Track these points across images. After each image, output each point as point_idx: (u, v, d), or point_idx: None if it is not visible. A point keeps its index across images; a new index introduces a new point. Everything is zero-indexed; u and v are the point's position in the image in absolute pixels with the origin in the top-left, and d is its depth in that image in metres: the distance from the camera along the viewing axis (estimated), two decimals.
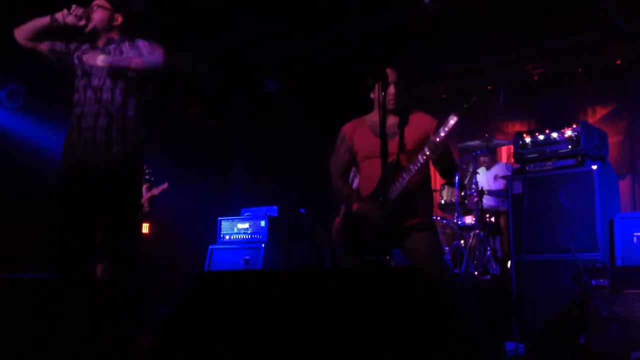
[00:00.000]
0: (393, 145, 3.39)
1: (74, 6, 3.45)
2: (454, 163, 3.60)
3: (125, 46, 3.52)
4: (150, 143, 7.21)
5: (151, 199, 5.48)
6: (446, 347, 1.77)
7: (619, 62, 6.49)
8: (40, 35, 3.54)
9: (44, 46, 3.60)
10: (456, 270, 5.61)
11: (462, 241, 5.70)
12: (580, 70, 6.70)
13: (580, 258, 4.52)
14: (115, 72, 3.43)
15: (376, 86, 3.40)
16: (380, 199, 3.18)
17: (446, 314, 1.84)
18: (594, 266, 4.40)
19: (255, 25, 6.17)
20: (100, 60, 3.39)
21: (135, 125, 3.49)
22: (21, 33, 3.59)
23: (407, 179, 3.33)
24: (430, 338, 1.77)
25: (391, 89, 3.45)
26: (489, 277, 5.33)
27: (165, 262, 6.89)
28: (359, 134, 3.58)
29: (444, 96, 7.37)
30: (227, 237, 6.51)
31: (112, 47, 3.52)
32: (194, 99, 7.46)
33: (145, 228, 7.11)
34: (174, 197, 6.55)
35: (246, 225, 6.45)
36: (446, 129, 3.24)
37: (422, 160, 3.30)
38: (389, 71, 3.40)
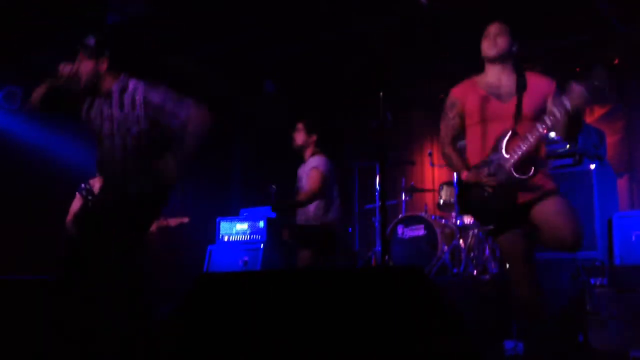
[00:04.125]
0: (509, 109, 3.17)
1: (61, 65, 3.26)
2: (578, 127, 3.20)
3: (128, 95, 3.31)
4: None
5: (163, 227, 5.41)
6: (445, 346, 1.78)
7: (616, 61, 6.49)
8: (48, 102, 3.32)
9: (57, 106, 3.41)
10: (455, 270, 5.61)
11: (461, 241, 5.70)
12: (578, 69, 6.70)
13: (578, 257, 4.53)
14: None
15: (484, 41, 3.27)
16: (492, 170, 3.03)
17: (445, 312, 1.84)
18: (592, 265, 4.41)
19: (256, 27, 6.17)
20: None
21: None
22: (35, 106, 3.35)
23: (524, 149, 3.06)
24: (430, 337, 1.77)
25: (489, 40, 3.28)
26: (488, 276, 5.33)
27: (163, 263, 6.88)
28: (471, 96, 3.32)
29: (441, 96, 7.37)
30: (226, 238, 6.50)
31: (114, 98, 3.30)
32: (195, 98, 7.45)
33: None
34: (173, 197, 6.54)
35: (245, 225, 6.44)
36: (569, 101, 2.99)
37: (541, 131, 3.03)
38: (495, 24, 3.28)
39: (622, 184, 5.99)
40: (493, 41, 3.26)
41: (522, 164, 3.07)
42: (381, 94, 3.19)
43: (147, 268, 3.45)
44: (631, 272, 4.22)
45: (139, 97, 3.29)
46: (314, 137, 4.86)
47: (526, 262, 3.09)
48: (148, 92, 3.31)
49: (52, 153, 6.63)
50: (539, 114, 3.09)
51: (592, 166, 5.01)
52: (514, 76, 3.26)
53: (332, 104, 7.71)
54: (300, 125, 4.91)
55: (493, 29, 3.29)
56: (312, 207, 4.78)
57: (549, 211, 3.05)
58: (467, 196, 3.27)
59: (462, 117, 3.36)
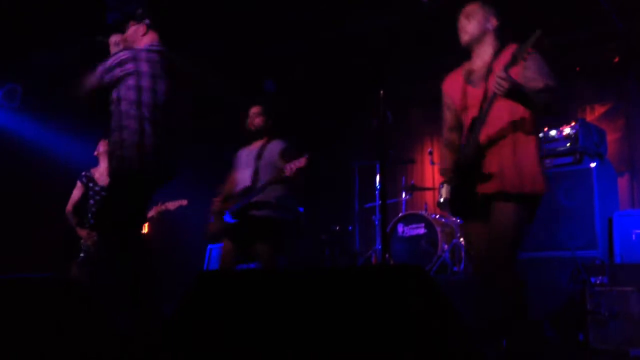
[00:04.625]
0: (476, 95, 3.03)
1: (110, 36, 3.71)
2: (535, 96, 2.91)
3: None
4: None
5: (162, 212, 5.39)
6: (445, 345, 1.78)
7: (616, 60, 6.49)
8: (96, 95, 3.46)
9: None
10: (455, 268, 5.62)
11: (461, 239, 5.70)
12: (578, 68, 6.70)
13: (579, 255, 4.53)
14: None
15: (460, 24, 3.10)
16: (460, 161, 2.91)
17: (446, 311, 1.84)
18: (592, 263, 4.41)
19: (257, 26, 6.16)
20: None
21: None
22: (84, 96, 3.50)
23: (480, 132, 2.92)
24: (429, 335, 1.77)
25: (461, 22, 3.13)
26: None
27: (164, 261, 6.88)
28: (453, 86, 3.23)
29: None
30: None
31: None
32: (195, 95, 7.45)
33: (145, 227, 7.10)
34: (173, 195, 6.54)
35: None
36: (504, 62, 2.81)
37: (489, 107, 2.88)
38: (466, 7, 3.11)
39: (622, 182, 5.99)
40: (463, 26, 3.13)
41: (482, 152, 2.94)
42: (381, 92, 3.18)
43: (150, 268, 3.43)
44: (631, 271, 4.22)
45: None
46: (271, 122, 4.77)
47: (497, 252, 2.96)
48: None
49: (52, 150, 6.63)
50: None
51: (593, 164, 5.01)
52: (489, 56, 3.10)
53: (332, 103, 7.71)
54: (257, 110, 4.81)
55: (463, 12, 3.15)
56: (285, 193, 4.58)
57: (491, 220, 2.93)
58: (447, 191, 3.24)
59: (451, 109, 3.27)
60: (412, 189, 6.70)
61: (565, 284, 4.49)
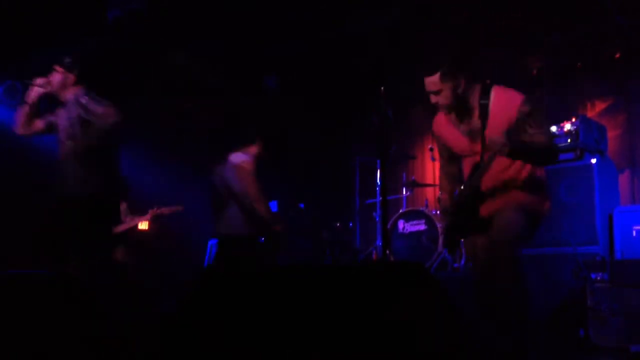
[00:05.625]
0: (476, 147, 3.10)
1: (35, 79, 3.99)
2: (535, 153, 3.03)
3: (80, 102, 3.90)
4: (151, 139, 7.22)
5: (158, 215, 5.41)
6: (445, 341, 1.78)
7: (617, 55, 6.48)
8: (31, 118, 4.11)
9: (39, 125, 4.12)
10: (455, 265, 5.62)
11: None
12: (579, 64, 6.69)
13: (579, 252, 4.53)
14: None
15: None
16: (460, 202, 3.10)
17: (446, 307, 1.85)
18: (593, 260, 4.41)
19: (257, 26, 6.16)
20: None
21: None
22: (18, 128, 4.14)
23: (481, 181, 3.06)
24: (430, 331, 1.78)
25: (432, 99, 3.14)
26: None
27: (164, 258, 6.89)
28: (445, 132, 3.30)
29: None
30: None
31: (70, 105, 3.94)
32: (196, 93, 7.45)
33: (145, 224, 7.10)
34: (173, 192, 6.55)
35: None
36: (497, 121, 2.98)
37: (487, 159, 3.00)
38: (426, 81, 3.10)
39: (623, 178, 5.99)
40: (435, 101, 3.14)
41: (483, 196, 3.08)
42: (382, 89, 3.18)
43: (147, 264, 3.50)
44: (632, 267, 4.23)
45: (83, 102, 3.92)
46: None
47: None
48: (90, 102, 3.90)
49: (52, 147, 6.62)
50: (510, 132, 3.01)
51: (593, 161, 5.01)
52: (477, 109, 3.10)
53: (332, 100, 7.70)
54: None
55: (427, 87, 3.14)
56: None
57: (497, 217, 3.05)
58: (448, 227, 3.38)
59: (447, 147, 3.36)
60: (412, 186, 6.70)
61: (566, 280, 4.49)
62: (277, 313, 1.96)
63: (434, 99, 3.11)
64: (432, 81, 3.07)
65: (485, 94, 3.06)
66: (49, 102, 4.14)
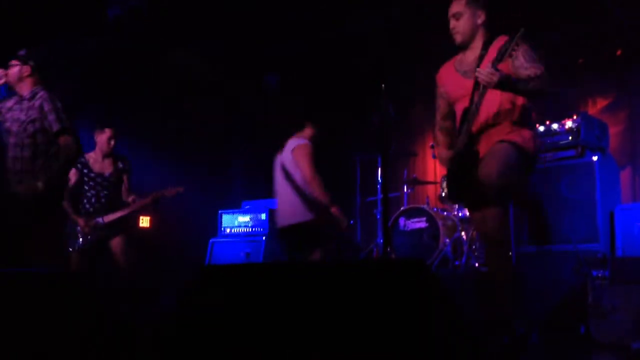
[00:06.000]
0: (468, 86, 3.12)
1: None
2: (525, 84, 3.00)
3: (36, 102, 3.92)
4: (151, 138, 7.21)
5: (158, 198, 5.34)
6: (446, 338, 1.78)
7: (619, 52, 6.47)
8: None
9: None
10: (457, 262, 5.62)
11: (463, 233, 5.71)
12: (580, 60, 6.68)
13: (580, 249, 4.53)
14: None
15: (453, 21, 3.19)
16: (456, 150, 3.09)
17: (447, 305, 1.85)
18: (594, 257, 4.41)
19: (257, 26, 6.16)
20: None
21: None
22: None
23: (472, 123, 3.05)
24: (430, 329, 1.77)
25: (451, 23, 3.21)
26: None
27: (166, 255, 6.90)
28: (446, 77, 3.35)
29: None
30: (228, 230, 6.51)
31: (25, 102, 3.96)
32: (196, 92, 7.46)
33: (147, 222, 7.11)
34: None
35: (247, 218, 6.45)
36: (494, 54, 2.94)
37: (479, 98, 3.00)
38: (453, 2, 3.18)
39: (624, 175, 5.98)
40: (453, 27, 3.22)
41: (474, 141, 3.08)
42: (383, 86, 3.18)
43: (148, 261, 3.50)
44: (633, 264, 4.22)
45: (38, 103, 3.92)
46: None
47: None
48: (45, 100, 3.91)
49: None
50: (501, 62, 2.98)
51: (595, 158, 5.00)
52: (480, 48, 3.19)
53: (333, 97, 7.70)
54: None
55: (450, 12, 3.23)
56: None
57: (487, 153, 3.05)
58: (448, 178, 3.37)
59: (444, 97, 3.40)
60: (413, 183, 6.70)
61: (567, 277, 4.49)
62: (278, 311, 1.96)
63: (452, 23, 3.21)
64: (458, 5, 3.21)
65: (489, 42, 3.16)
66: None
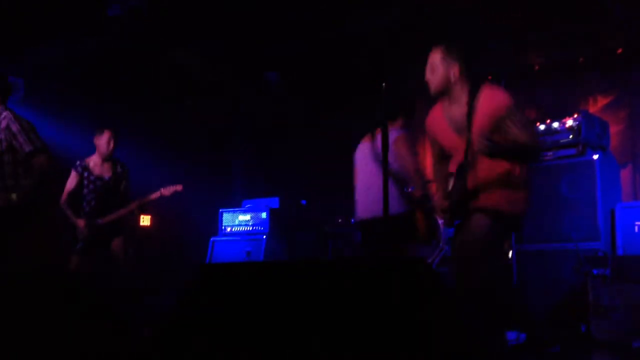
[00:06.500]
0: (461, 143, 3.14)
1: None
2: (513, 150, 3.08)
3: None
4: (152, 137, 7.22)
5: (158, 197, 5.35)
6: (447, 336, 1.78)
7: (619, 51, 6.46)
8: None
9: None
10: None
11: None
12: (581, 59, 6.67)
13: (581, 247, 4.53)
14: None
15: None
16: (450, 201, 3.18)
17: (447, 303, 1.85)
18: (595, 255, 4.41)
19: (257, 26, 6.15)
20: None
21: None
22: None
23: (467, 179, 3.10)
24: (432, 327, 1.77)
25: (426, 75, 3.23)
26: None
27: (166, 254, 6.90)
28: (437, 126, 3.34)
29: None
30: (229, 229, 6.52)
31: None
32: (196, 90, 7.46)
33: (147, 220, 7.11)
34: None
35: (247, 217, 6.45)
36: (483, 112, 3.02)
37: (471, 158, 3.07)
38: (430, 53, 3.21)
39: (625, 174, 5.97)
40: (428, 79, 3.24)
41: (469, 194, 3.12)
42: (384, 84, 3.17)
43: (149, 260, 3.49)
44: (634, 263, 4.22)
45: (4, 124, 3.93)
46: None
47: None
48: (11, 121, 3.93)
49: (51, 143, 6.62)
50: (494, 131, 3.04)
51: (595, 156, 5.00)
52: (465, 104, 3.15)
53: (335, 96, 7.70)
54: None
55: (428, 60, 3.25)
56: None
57: (467, 223, 3.13)
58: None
59: (437, 144, 3.43)
60: None
61: (567, 276, 4.49)
62: (278, 310, 1.96)
63: (428, 75, 3.23)
64: (435, 54, 3.23)
65: (474, 95, 3.12)
66: None
